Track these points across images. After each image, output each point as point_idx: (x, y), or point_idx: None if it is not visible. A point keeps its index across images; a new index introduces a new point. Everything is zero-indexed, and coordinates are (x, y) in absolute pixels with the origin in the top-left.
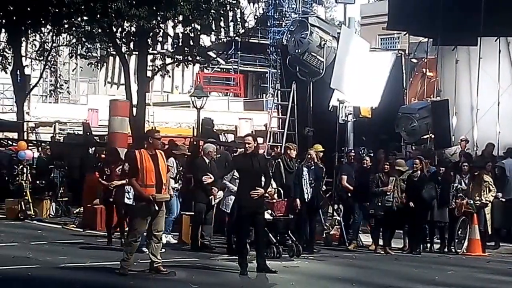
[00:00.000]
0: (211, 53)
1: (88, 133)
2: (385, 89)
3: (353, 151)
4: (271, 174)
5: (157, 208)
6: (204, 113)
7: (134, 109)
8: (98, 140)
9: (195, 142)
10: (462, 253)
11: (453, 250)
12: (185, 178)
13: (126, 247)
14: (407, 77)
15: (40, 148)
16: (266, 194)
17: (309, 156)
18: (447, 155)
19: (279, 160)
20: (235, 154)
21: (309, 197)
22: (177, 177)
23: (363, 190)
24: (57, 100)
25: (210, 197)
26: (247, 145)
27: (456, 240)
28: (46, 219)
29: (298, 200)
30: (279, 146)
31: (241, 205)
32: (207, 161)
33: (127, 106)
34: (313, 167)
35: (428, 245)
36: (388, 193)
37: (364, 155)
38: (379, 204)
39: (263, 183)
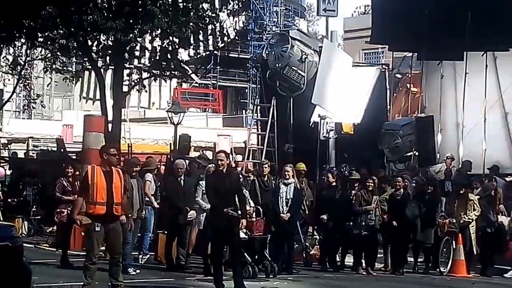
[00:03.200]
0: (188, 68)
1: (62, 150)
2: (368, 105)
3: (334, 168)
4: (245, 194)
5: (97, 229)
6: (181, 129)
7: (110, 125)
8: (74, 157)
9: (172, 159)
10: (446, 274)
11: (437, 270)
12: (161, 196)
13: (84, 270)
14: (391, 93)
15: None
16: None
17: (285, 172)
18: (431, 173)
19: (254, 178)
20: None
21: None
22: (156, 194)
23: (323, 209)
24: (30, 116)
25: (180, 216)
26: (219, 162)
27: (441, 261)
28: None
29: (283, 216)
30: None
31: (214, 225)
32: (179, 178)
33: (102, 121)
34: (291, 184)
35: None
36: (371, 212)
37: (346, 172)
38: (363, 223)
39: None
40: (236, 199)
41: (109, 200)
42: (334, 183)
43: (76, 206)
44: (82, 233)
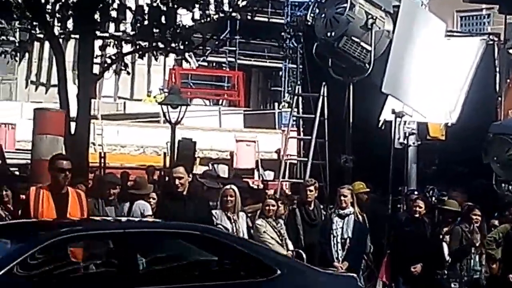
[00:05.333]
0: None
1: None
2: (468, 95)
3: (416, 192)
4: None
5: None
6: (182, 131)
7: (73, 124)
8: (17, 173)
9: (167, 177)
10: None
11: None
12: None
13: None
14: (503, 77)
15: None
16: None
17: (342, 197)
18: None
19: (294, 207)
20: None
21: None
22: None
23: (409, 255)
24: None
25: None
26: (177, 181)
27: None
28: None
29: (338, 265)
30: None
31: None
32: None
33: (61, 119)
34: (350, 215)
35: None
36: (473, 253)
37: (434, 198)
38: (465, 274)
39: None
40: None
41: None
42: (422, 215)
43: None
44: None
